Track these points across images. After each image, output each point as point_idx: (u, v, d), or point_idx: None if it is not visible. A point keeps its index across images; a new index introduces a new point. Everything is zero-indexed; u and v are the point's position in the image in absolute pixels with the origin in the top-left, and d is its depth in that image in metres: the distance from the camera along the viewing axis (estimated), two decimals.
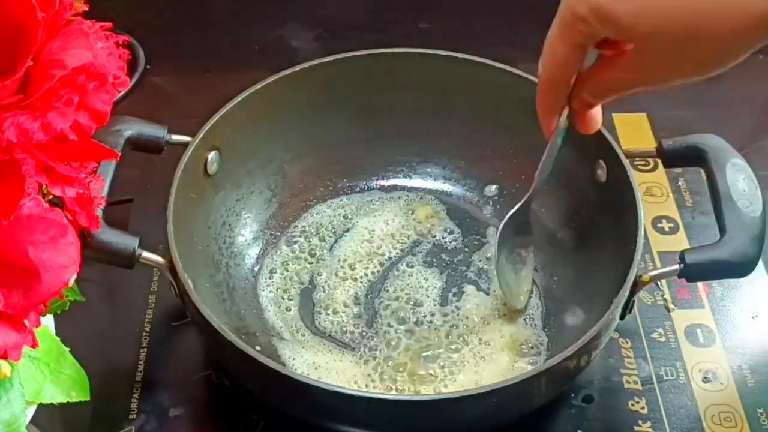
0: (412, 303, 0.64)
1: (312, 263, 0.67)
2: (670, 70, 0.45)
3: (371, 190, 0.72)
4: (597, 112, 0.53)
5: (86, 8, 0.41)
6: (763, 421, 0.58)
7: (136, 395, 0.60)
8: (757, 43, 0.42)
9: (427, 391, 0.58)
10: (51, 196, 0.40)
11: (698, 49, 0.43)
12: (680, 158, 0.61)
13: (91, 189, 0.43)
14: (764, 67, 0.67)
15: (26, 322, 0.38)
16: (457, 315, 0.63)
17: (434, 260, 0.67)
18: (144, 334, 0.63)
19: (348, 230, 0.69)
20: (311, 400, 0.52)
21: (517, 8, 0.87)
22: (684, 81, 0.45)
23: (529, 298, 0.64)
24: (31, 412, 0.46)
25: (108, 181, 0.56)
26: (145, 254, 0.55)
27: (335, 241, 0.68)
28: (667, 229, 0.71)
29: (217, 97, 0.64)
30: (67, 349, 0.49)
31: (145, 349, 0.62)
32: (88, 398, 0.49)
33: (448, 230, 0.69)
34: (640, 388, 0.60)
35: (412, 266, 0.67)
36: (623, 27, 0.43)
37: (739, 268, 0.54)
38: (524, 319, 0.63)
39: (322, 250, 0.68)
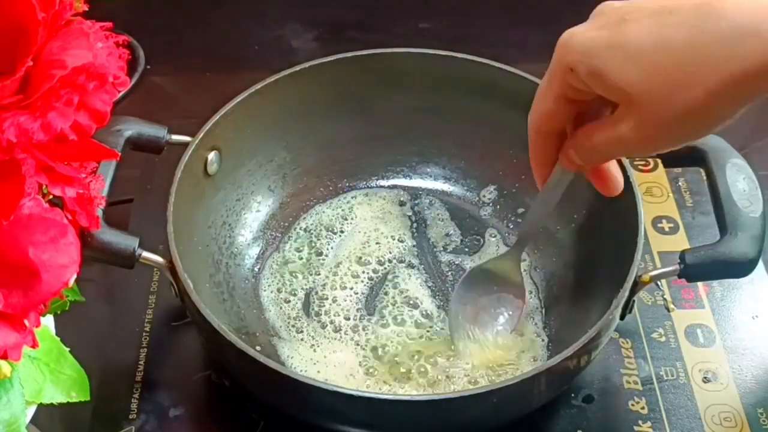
0: (411, 303, 0.64)
1: (312, 263, 0.67)
2: (654, 136, 0.43)
3: (371, 190, 0.72)
4: (614, 171, 0.51)
5: (86, 8, 0.41)
6: (763, 421, 0.58)
7: (136, 395, 0.60)
8: (746, 99, 0.41)
9: (426, 390, 0.58)
10: (51, 196, 0.40)
11: (683, 110, 0.41)
12: (680, 158, 0.61)
13: (91, 189, 0.43)
14: None
15: (26, 322, 0.38)
16: None
17: (434, 260, 0.67)
18: (144, 334, 0.63)
19: (348, 230, 0.69)
20: (311, 400, 0.52)
21: (517, 8, 0.87)
22: (672, 147, 0.44)
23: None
24: (31, 412, 0.46)
25: (108, 181, 0.56)
26: (145, 254, 0.55)
27: (335, 241, 0.68)
28: (667, 229, 0.71)
29: (217, 97, 0.64)
30: (67, 349, 0.49)
31: (145, 349, 0.62)
32: (88, 398, 0.49)
33: (448, 230, 0.69)
34: (640, 388, 0.60)
35: (412, 266, 0.67)
36: (610, 81, 0.42)
37: (740, 268, 0.54)
38: (525, 319, 0.63)
39: (322, 250, 0.68)
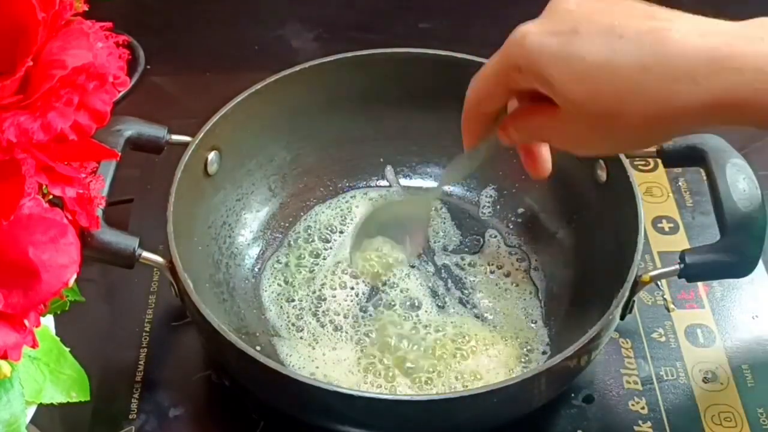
0: (411, 302, 0.64)
1: (312, 263, 0.67)
2: (588, 141, 0.46)
3: (371, 190, 0.72)
4: (545, 154, 0.54)
5: (86, 8, 0.41)
6: (764, 421, 0.58)
7: (136, 395, 0.60)
8: (678, 132, 0.45)
9: (425, 388, 0.58)
10: (51, 196, 0.40)
11: (617, 128, 0.44)
12: (680, 158, 0.61)
13: (91, 189, 0.43)
14: None
15: (26, 322, 0.38)
16: (457, 314, 0.63)
17: (434, 260, 0.67)
18: (144, 334, 0.63)
19: (348, 230, 0.69)
20: (311, 400, 0.52)
21: (516, 8, 0.87)
22: (604, 154, 0.48)
23: None
24: (31, 412, 0.46)
25: (108, 181, 0.55)
26: (145, 254, 0.55)
27: (335, 241, 0.68)
28: (667, 229, 0.71)
29: (217, 97, 0.64)
30: (67, 349, 0.49)
31: (145, 349, 0.62)
32: (88, 398, 0.49)
33: (448, 230, 0.69)
34: (640, 388, 0.60)
35: (412, 266, 0.67)
36: (555, 89, 0.44)
37: (740, 268, 0.54)
38: (525, 319, 0.63)
39: (322, 250, 0.68)
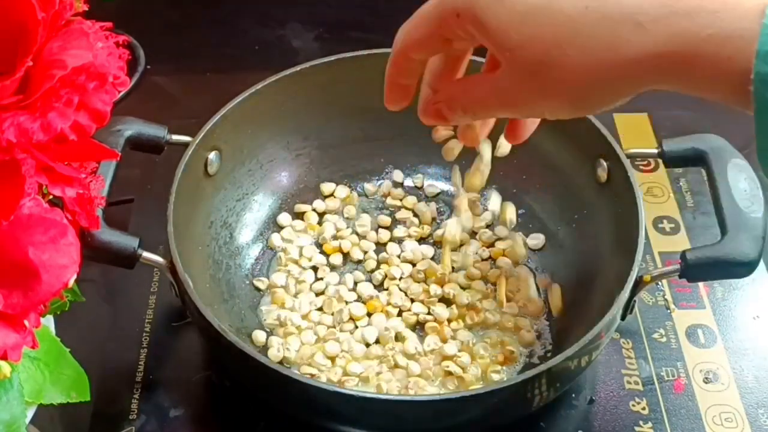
0: (412, 301, 0.64)
1: (312, 263, 0.67)
2: (523, 98, 0.42)
3: (371, 190, 0.72)
4: (476, 128, 0.51)
5: (86, 8, 0.41)
6: (764, 421, 0.58)
7: (136, 396, 0.60)
8: (621, 92, 0.40)
9: (424, 389, 0.58)
10: (51, 197, 0.40)
11: (553, 81, 0.40)
12: (681, 158, 0.61)
13: (91, 189, 0.43)
14: None
15: (26, 322, 0.38)
16: (457, 314, 0.63)
17: (434, 260, 0.67)
18: (144, 334, 0.63)
19: (348, 230, 0.69)
20: (311, 400, 0.52)
21: None
22: (550, 115, 0.43)
23: None
24: (31, 412, 0.46)
25: (108, 181, 0.56)
26: (146, 254, 0.55)
27: (335, 241, 0.68)
28: (668, 229, 0.70)
29: (217, 97, 0.64)
30: (67, 350, 0.49)
31: (146, 350, 0.62)
32: (88, 399, 0.49)
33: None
34: (641, 389, 0.60)
35: (413, 265, 0.66)
36: (490, 34, 0.41)
37: (741, 268, 0.54)
38: (525, 319, 0.63)
39: (322, 250, 0.68)
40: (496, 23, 0.40)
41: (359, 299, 0.64)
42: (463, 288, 0.64)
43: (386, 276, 0.65)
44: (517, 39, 0.40)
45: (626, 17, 0.37)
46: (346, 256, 0.67)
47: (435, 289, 0.64)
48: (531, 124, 0.51)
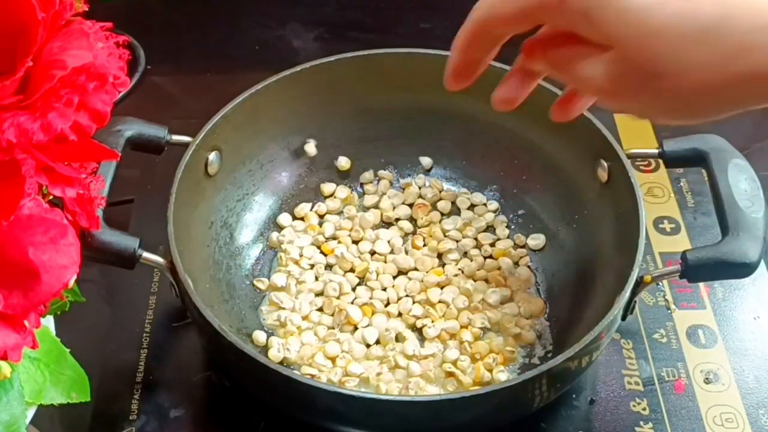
0: (412, 301, 0.64)
1: (312, 263, 0.67)
2: (627, 96, 0.40)
3: (371, 190, 0.72)
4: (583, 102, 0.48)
5: (86, 8, 0.41)
6: (765, 422, 0.58)
7: (136, 396, 0.60)
8: (739, 104, 0.38)
9: (424, 390, 0.58)
10: (51, 197, 0.40)
11: (666, 90, 0.38)
12: (682, 159, 0.61)
13: (92, 189, 0.43)
14: None
15: (26, 323, 0.38)
16: (457, 314, 0.63)
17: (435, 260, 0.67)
18: (144, 334, 0.63)
19: (348, 230, 0.69)
20: (311, 401, 0.51)
21: None
22: (642, 115, 0.41)
23: None
24: (31, 413, 0.46)
25: (108, 182, 0.55)
26: (146, 255, 0.55)
27: (335, 241, 0.68)
28: (668, 229, 0.70)
29: (217, 97, 0.64)
30: (68, 350, 0.49)
31: (146, 350, 0.62)
32: (88, 399, 0.49)
33: (449, 230, 0.69)
34: (642, 389, 0.60)
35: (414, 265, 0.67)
36: (603, 29, 0.38)
37: (741, 268, 0.54)
38: (526, 320, 0.63)
39: (322, 250, 0.68)
40: (606, 19, 0.38)
41: (356, 301, 0.64)
42: (463, 288, 0.64)
43: (379, 274, 0.65)
44: (632, 40, 0.38)
45: (756, 33, 0.36)
46: (345, 256, 0.67)
47: (435, 290, 0.64)
48: (586, 102, 0.48)
